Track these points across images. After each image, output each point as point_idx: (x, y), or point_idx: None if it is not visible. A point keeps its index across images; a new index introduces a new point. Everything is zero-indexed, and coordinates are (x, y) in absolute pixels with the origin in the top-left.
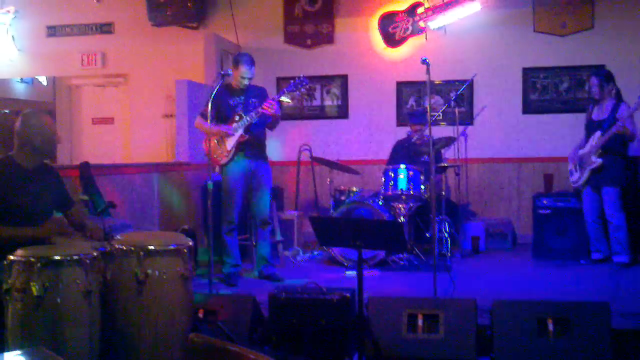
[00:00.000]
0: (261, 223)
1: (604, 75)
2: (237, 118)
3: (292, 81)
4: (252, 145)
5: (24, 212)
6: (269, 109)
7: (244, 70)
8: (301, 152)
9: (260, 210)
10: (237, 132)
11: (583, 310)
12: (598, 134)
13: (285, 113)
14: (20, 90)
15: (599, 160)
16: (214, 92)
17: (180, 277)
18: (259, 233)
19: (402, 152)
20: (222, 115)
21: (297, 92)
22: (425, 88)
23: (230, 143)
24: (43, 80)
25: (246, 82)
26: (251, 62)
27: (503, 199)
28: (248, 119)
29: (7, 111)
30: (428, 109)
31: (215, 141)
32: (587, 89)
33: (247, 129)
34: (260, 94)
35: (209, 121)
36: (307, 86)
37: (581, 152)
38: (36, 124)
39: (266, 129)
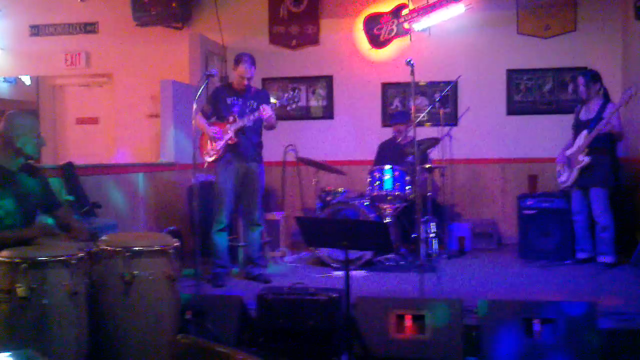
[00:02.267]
0: (250, 224)
1: (591, 75)
2: (231, 119)
3: (286, 94)
4: (244, 147)
5: (6, 212)
6: (264, 113)
7: (242, 69)
8: (287, 152)
9: (251, 211)
10: (227, 134)
11: (569, 310)
12: (585, 133)
13: None
14: (3, 89)
15: (587, 159)
16: (199, 91)
17: (167, 278)
18: (247, 234)
19: (388, 152)
20: (219, 114)
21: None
22: (410, 89)
23: (220, 143)
24: (26, 79)
25: (245, 81)
26: (251, 62)
27: (488, 200)
28: (240, 123)
29: None
30: (412, 109)
31: (209, 138)
32: (573, 90)
33: (240, 132)
34: (262, 97)
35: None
36: (297, 100)
37: (568, 152)
38: (19, 126)
39: (262, 130)
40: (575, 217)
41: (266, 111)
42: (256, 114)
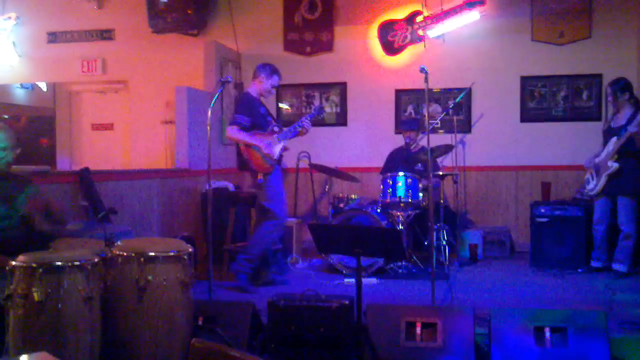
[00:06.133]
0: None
1: (620, 85)
2: (277, 129)
3: (314, 107)
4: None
5: None
6: (309, 127)
7: (277, 80)
8: (300, 159)
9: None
10: (277, 144)
11: (580, 318)
12: (614, 139)
13: (284, 120)
14: (20, 96)
15: (615, 165)
16: (215, 98)
17: (181, 284)
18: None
19: (398, 160)
20: (257, 124)
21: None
22: (423, 96)
23: (277, 153)
24: (43, 86)
25: (273, 91)
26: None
27: (501, 207)
28: (289, 133)
29: (6, 117)
30: (426, 116)
31: (258, 150)
32: (587, 97)
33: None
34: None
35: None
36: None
37: (597, 159)
38: None
39: None
40: (596, 225)
41: (309, 124)
42: (299, 127)
